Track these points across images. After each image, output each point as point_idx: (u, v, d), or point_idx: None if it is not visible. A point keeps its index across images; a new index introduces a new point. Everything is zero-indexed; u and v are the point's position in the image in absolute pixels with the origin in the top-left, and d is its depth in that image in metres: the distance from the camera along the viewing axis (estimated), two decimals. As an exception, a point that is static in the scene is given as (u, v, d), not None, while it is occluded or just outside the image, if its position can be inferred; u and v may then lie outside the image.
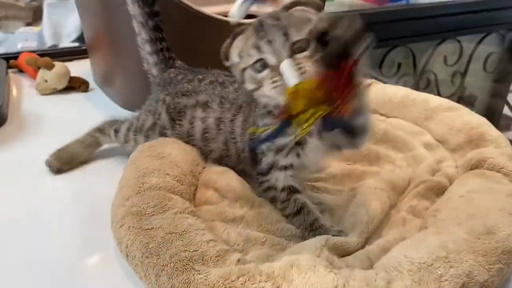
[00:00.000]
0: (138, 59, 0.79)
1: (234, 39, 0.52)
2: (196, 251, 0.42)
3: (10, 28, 2.34)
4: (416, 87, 1.62)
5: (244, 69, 0.51)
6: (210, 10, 1.00)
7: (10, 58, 0.99)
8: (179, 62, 0.69)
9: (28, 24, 2.39)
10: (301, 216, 0.53)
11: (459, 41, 1.64)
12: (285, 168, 0.55)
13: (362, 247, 0.50)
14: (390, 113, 0.78)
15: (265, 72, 0.49)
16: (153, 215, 0.47)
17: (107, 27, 0.82)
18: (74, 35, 2.28)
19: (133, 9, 0.65)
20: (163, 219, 0.46)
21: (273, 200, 0.56)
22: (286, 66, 0.46)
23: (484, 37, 1.68)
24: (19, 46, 1.49)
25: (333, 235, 0.49)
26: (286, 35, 0.47)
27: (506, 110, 1.99)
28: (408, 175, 0.62)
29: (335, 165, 0.66)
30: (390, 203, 0.57)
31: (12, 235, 0.54)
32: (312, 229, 0.51)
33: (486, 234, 0.45)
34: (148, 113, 0.65)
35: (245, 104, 0.59)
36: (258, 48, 0.49)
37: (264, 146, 0.55)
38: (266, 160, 0.55)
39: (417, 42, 1.54)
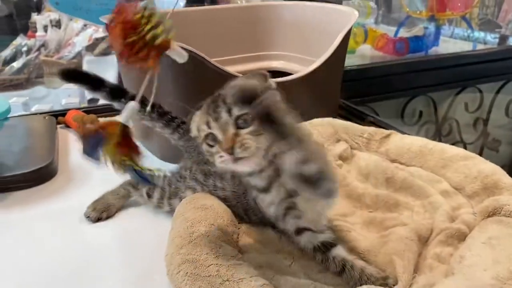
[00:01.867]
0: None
1: (194, 114, 0.56)
2: None
3: (53, 84, 2.52)
4: (439, 134, 1.67)
5: (201, 143, 0.55)
6: (233, 68, 1.09)
7: (58, 115, 1.09)
8: None
9: (69, 80, 2.57)
10: (346, 274, 0.55)
11: (479, 89, 1.69)
12: (306, 229, 0.58)
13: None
14: (409, 162, 0.83)
15: (215, 148, 0.52)
16: (207, 261, 0.52)
17: (146, 88, 0.91)
18: (111, 89, 2.44)
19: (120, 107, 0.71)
20: (218, 265, 0.51)
21: (314, 258, 0.59)
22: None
23: (504, 84, 1.73)
24: (63, 102, 1.61)
25: (381, 284, 0.53)
26: (229, 111, 0.51)
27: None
28: (430, 224, 0.66)
29: (358, 213, 0.71)
30: (419, 252, 0.61)
31: (62, 280, 0.61)
32: (362, 282, 0.54)
33: (510, 279, 0.49)
34: (180, 179, 0.72)
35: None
36: (207, 124, 0.53)
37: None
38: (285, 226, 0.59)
39: (437, 91, 1.60)
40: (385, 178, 0.78)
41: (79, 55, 2.65)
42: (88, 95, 2.31)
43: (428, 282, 0.53)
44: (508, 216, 0.63)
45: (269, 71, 1.25)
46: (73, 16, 1.04)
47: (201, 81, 0.79)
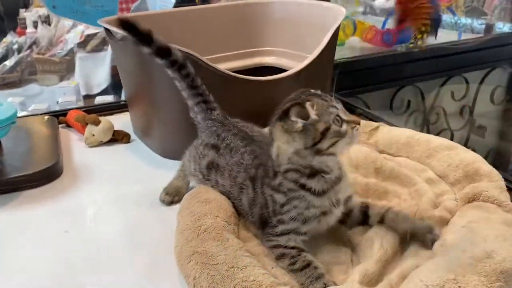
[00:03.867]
0: (173, 112, 0.92)
1: (301, 105, 0.58)
2: (254, 281, 0.53)
3: (46, 82, 2.54)
4: (427, 123, 1.72)
5: (327, 128, 0.58)
6: (226, 65, 1.13)
7: (59, 115, 1.13)
8: (216, 112, 0.79)
9: (62, 77, 2.59)
10: (308, 270, 0.57)
11: (465, 78, 1.74)
12: (303, 234, 0.62)
13: (380, 274, 0.58)
14: (397, 153, 0.88)
15: (345, 125, 0.59)
16: (215, 251, 0.58)
17: (145, 85, 0.95)
18: (104, 85, 2.47)
19: (172, 74, 0.78)
20: (225, 255, 0.57)
21: (281, 257, 0.60)
22: None
23: (488, 72, 1.78)
24: (60, 100, 1.64)
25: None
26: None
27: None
28: (413, 211, 0.71)
29: (350, 201, 0.76)
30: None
31: (71, 275, 0.65)
32: (319, 282, 0.56)
33: (486, 258, 0.54)
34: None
35: (256, 172, 0.66)
36: (334, 107, 0.59)
37: (286, 217, 0.61)
38: (286, 227, 0.61)
39: (424, 81, 1.65)
40: (374, 168, 0.83)
41: (71, 52, 2.67)
42: (82, 90, 2.35)
43: (413, 263, 0.58)
44: (486, 201, 0.68)
45: (262, 67, 1.30)
46: (70, 18, 1.08)
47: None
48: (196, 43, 1.10)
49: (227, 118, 0.78)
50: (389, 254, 0.61)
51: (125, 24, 0.70)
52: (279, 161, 0.61)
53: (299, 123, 0.57)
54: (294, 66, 0.99)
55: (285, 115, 0.58)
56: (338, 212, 0.63)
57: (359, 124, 0.60)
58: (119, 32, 0.90)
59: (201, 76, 0.81)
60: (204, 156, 0.74)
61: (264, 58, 1.26)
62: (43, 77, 2.56)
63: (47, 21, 2.88)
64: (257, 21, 1.22)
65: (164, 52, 0.74)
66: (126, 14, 1.36)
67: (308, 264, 0.58)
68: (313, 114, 0.57)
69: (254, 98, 0.89)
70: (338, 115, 0.58)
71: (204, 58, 0.85)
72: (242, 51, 1.24)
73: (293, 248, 0.60)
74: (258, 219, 0.65)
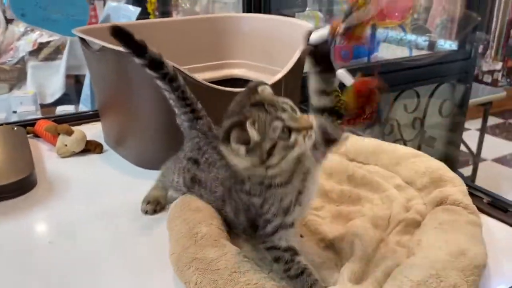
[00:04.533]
0: (151, 123, 0.93)
1: (242, 125, 0.56)
2: (256, 284, 0.55)
3: (-3, 90, 2.43)
4: (382, 133, 1.82)
5: (273, 146, 0.56)
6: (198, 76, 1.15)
7: (26, 125, 1.10)
8: (202, 122, 0.79)
9: (13, 86, 2.49)
10: (303, 277, 0.59)
11: (416, 92, 1.86)
12: (291, 225, 0.62)
13: (364, 272, 0.62)
14: (366, 161, 0.94)
15: (293, 136, 0.56)
16: (215, 257, 0.59)
17: (122, 96, 0.96)
18: (58, 94, 2.40)
19: (163, 86, 0.78)
20: (226, 260, 0.58)
21: (276, 260, 0.61)
22: (341, 72, 0.58)
23: (437, 87, 1.91)
24: (18, 110, 1.58)
25: None
26: (287, 107, 0.58)
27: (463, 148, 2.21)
28: (386, 215, 0.76)
29: (327, 208, 0.80)
30: (377, 236, 0.71)
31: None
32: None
33: (461, 254, 0.60)
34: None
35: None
36: (279, 119, 0.56)
37: (269, 215, 0.62)
38: (273, 224, 0.62)
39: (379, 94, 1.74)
40: (346, 176, 0.88)
41: (22, 60, 2.58)
42: (40, 101, 2.27)
43: (394, 262, 0.63)
44: (453, 204, 0.75)
45: (231, 79, 1.33)
46: (41, 27, 1.06)
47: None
48: (171, 54, 1.11)
49: (211, 129, 0.80)
50: (369, 253, 0.65)
51: (118, 32, 0.68)
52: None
53: (241, 149, 0.56)
54: (263, 78, 1.03)
55: (227, 139, 0.56)
56: (312, 184, 0.63)
57: (311, 128, 0.57)
58: (96, 42, 0.91)
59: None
60: (188, 170, 0.76)
61: (233, 70, 1.29)
62: (-7, 85, 2.45)
63: (-7, 28, 2.76)
64: (227, 35, 1.26)
65: (157, 64, 0.75)
66: (99, 25, 1.35)
67: (302, 272, 0.60)
68: (254, 135, 0.55)
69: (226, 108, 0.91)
70: (284, 127, 0.56)
71: (182, 68, 0.87)
72: (213, 63, 1.26)
73: (286, 250, 0.62)
74: (247, 224, 0.67)
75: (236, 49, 1.28)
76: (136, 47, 0.72)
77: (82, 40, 0.97)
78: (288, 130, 0.56)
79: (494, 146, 3.49)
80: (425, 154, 0.89)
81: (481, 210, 0.81)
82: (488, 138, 3.46)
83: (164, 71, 0.76)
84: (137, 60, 0.73)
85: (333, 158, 0.92)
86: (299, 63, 1.06)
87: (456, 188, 0.78)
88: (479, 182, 2.46)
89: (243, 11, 1.49)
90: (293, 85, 1.09)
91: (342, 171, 0.89)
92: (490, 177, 2.97)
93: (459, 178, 0.81)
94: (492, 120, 3.89)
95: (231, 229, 0.71)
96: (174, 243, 0.64)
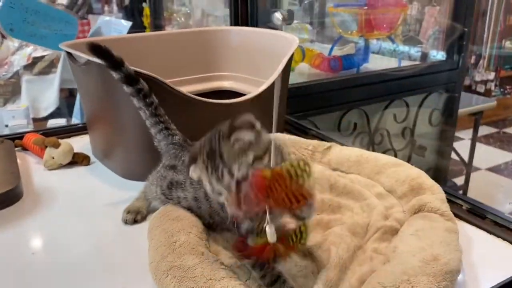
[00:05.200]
0: (136, 135, 0.94)
1: (190, 164, 0.60)
2: None
3: (-10, 105, 2.44)
4: (372, 143, 1.83)
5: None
6: (187, 88, 1.17)
7: (15, 139, 1.11)
8: (177, 137, 0.82)
9: (7, 100, 2.51)
10: (277, 285, 0.60)
11: (405, 102, 1.88)
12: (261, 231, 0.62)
13: (339, 279, 0.63)
14: (348, 170, 0.95)
15: (223, 196, 0.58)
16: (192, 265, 0.60)
17: (109, 108, 0.97)
18: (52, 108, 2.42)
19: (137, 102, 0.82)
20: (202, 268, 0.59)
21: (253, 267, 0.63)
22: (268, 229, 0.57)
23: (426, 97, 1.93)
24: (10, 124, 1.60)
25: None
26: (230, 174, 0.56)
27: (455, 156, 2.23)
28: (365, 222, 0.78)
29: (307, 216, 0.81)
30: (355, 244, 0.72)
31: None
32: None
33: (433, 260, 0.61)
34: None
35: None
36: (211, 184, 0.58)
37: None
38: (244, 228, 0.63)
39: (369, 104, 1.77)
40: (329, 185, 0.90)
41: (16, 75, 2.60)
42: (31, 115, 2.29)
43: (370, 269, 0.64)
44: (430, 212, 0.76)
45: (219, 91, 1.35)
46: (29, 42, 1.08)
47: (158, 100, 0.87)
48: (159, 67, 1.14)
49: (187, 141, 0.82)
50: (344, 260, 0.66)
51: (96, 49, 0.73)
52: None
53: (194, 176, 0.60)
54: (251, 90, 1.05)
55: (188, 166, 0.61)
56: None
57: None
58: (82, 56, 0.92)
59: (163, 98, 0.85)
60: (165, 177, 0.78)
61: (222, 83, 1.31)
62: (-15, 100, 2.47)
63: (-12, 43, 2.79)
64: (215, 47, 1.28)
65: (132, 79, 0.79)
66: (86, 39, 1.37)
67: (275, 280, 0.61)
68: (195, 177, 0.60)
69: (214, 120, 0.93)
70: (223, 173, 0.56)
71: (167, 81, 0.89)
72: (201, 75, 1.28)
73: None
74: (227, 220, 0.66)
75: (224, 61, 1.30)
76: (113, 61, 0.76)
77: (69, 54, 0.99)
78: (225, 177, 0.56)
79: (488, 155, 3.51)
80: (406, 163, 0.90)
81: (460, 217, 0.82)
82: (482, 147, 3.49)
83: (139, 86, 0.80)
84: (114, 74, 0.77)
85: (315, 168, 0.94)
86: (284, 75, 1.08)
87: (434, 196, 0.79)
88: (472, 191, 2.47)
89: (231, 24, 1.52)
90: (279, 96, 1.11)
91: (324, 180, 0.90)
92: (483, 186, 2.98)
93: (438, 186, 0.82)
94: (486, 130, 3.92)
95: (215, 231, 0.73)
96: (153, 252, 0.65)
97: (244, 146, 0.56)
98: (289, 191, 0.52)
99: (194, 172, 0.60)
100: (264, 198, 0.52)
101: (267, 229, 0.56)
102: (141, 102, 0.81)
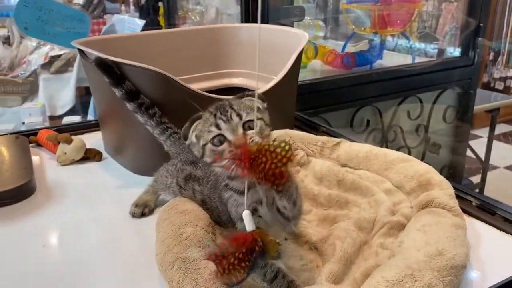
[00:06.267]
0: (146, 131, 0.95)
1: (192, 122, 0.64)
2: None
3: (8, 103, 2.50)
4: (385, 141, 1.82)
5: (205, 144, 0.61)
6: (197, 85, 1.18)
7: (30, 135, 1.14)
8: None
9: (25, 98, 2.56)
10: (278, 280, 0.60)
11: (419, 98, 1.86)
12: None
13: (343, 273, 0.64)
14: (357, 166, 0.94)
15: (224, 145, 0.60)
16: (198, 257, 0.61)
17: (119, 105, 0.98)
18: (68, 106, 2.46)
19: (141, 117, 0.85)
20: (207, 261, 0.60)
21: (253, 267, 0.63)
22: (245, 215, 0.57)
23: (441, 93, 1.91)
24: (26, 121, 1.63)
25: None
26: (239, 116, 0.60)
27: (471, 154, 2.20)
28: (372, 218, 0.77)
29: (314, 211, 0.82)
30: (361, 239, 0.72)
31: None
32: None
33: (438, 255, 0.61)
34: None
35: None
36: (217, 126, 0.60)
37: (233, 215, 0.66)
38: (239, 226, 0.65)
39: (382, 101, 1.75)
40: (336, 180, 0.89)
41: (34, 73, 2.65)
42: (48, 113, 2.33)
43: (375, 264, 0.64)
44: (438, 207, 0.75)
45: (229, 88, 1.36)
46: (42, 40, 1.10)
47: (168, 97, 0.88)
48: (170, 64, 1.15)
49: None
50: (349, 254, 0.66)
51: (102, 65, 0.78)
52: None
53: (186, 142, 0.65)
54: (260, 87, 1.05)
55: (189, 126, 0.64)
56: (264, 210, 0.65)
57: (239, 147, 0.56)
58: (93, 53, 0.94)
59: (174, 96, 0.86)
60: (182, 170, 0.79)
61: (232, 79, 1.31)
62: (4, 98, 2.52)
63: (7, 42, 2.85)
64: (226, 44, 1.29)
65: (133, 95, 0.82)
66: (97, 36, 1.39)
67: (275, 275, 0.61)
68: (193, 136, 0.63)
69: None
70: (220, 135, 0.59)
71: (177, 78, 0.90)
72: (213, 72, 1.29)
73: None
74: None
75: (234, 58, 1.31)
76: (116, 77, 0.81)
77: (81, 51, 1.00)
78: (220, 140, 0.60)
79: (507, 153, 3.45)
80: (415, 158, 0.90)
81: (469, 213, 0.81)
82: (500, 145, 3.43)
83: (140, 101, 0.83)
84: (116, 91, 0.82)
85: (324, 163, 0.94)
86: (293, 71, 1.08)
87: (442, 191, 0.78)
88: (489, 189, 2.43)
89: (242, 21, 1.52)
90: (288, 91, 1.11)
91: (332, 176, 0.90)
92: (501, 184, 2.93)
93: (446, 181, 0.81)
94: (505, 128, 3.84)
95: (222, 226, 0.73)
96: (159, 244, 0.66)
97: (252, 105, 0.60)
98: (268, 167, 0.53)
99: (194, 131, 0.63)
100: (247, 168, 0.53)
101: (243, 216, 0.56)
102: (145, 115, 0.85)
